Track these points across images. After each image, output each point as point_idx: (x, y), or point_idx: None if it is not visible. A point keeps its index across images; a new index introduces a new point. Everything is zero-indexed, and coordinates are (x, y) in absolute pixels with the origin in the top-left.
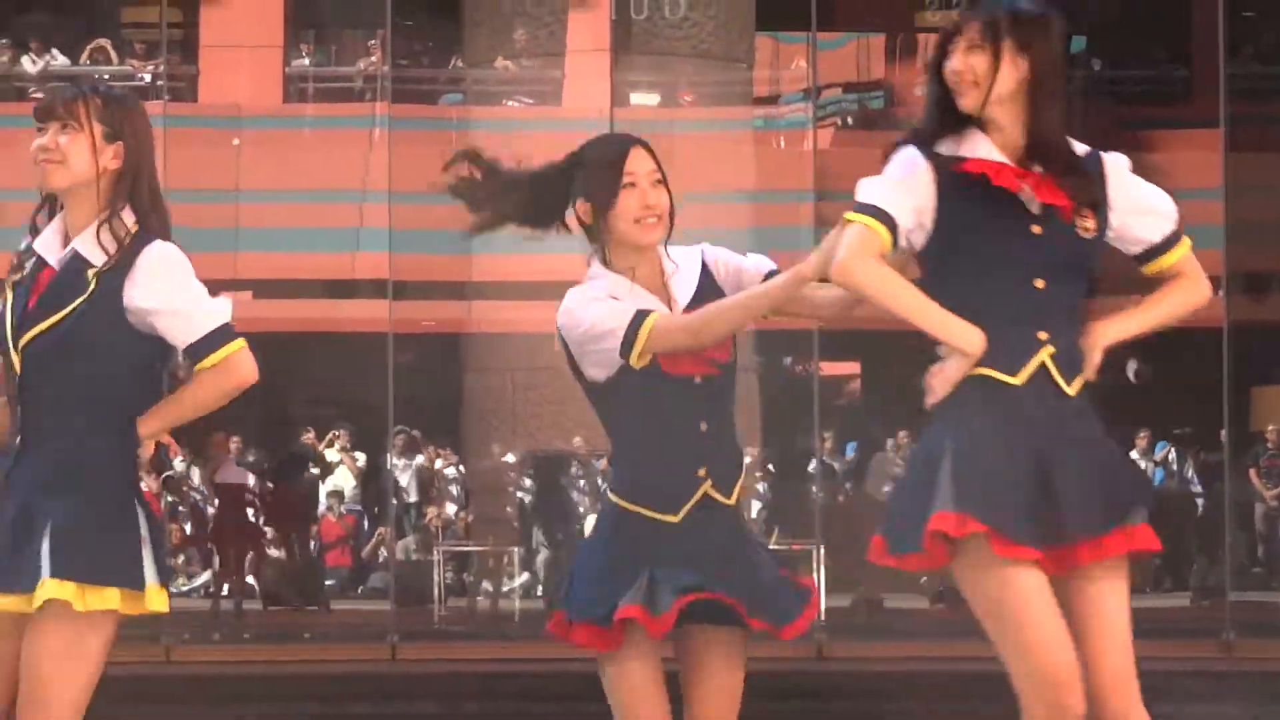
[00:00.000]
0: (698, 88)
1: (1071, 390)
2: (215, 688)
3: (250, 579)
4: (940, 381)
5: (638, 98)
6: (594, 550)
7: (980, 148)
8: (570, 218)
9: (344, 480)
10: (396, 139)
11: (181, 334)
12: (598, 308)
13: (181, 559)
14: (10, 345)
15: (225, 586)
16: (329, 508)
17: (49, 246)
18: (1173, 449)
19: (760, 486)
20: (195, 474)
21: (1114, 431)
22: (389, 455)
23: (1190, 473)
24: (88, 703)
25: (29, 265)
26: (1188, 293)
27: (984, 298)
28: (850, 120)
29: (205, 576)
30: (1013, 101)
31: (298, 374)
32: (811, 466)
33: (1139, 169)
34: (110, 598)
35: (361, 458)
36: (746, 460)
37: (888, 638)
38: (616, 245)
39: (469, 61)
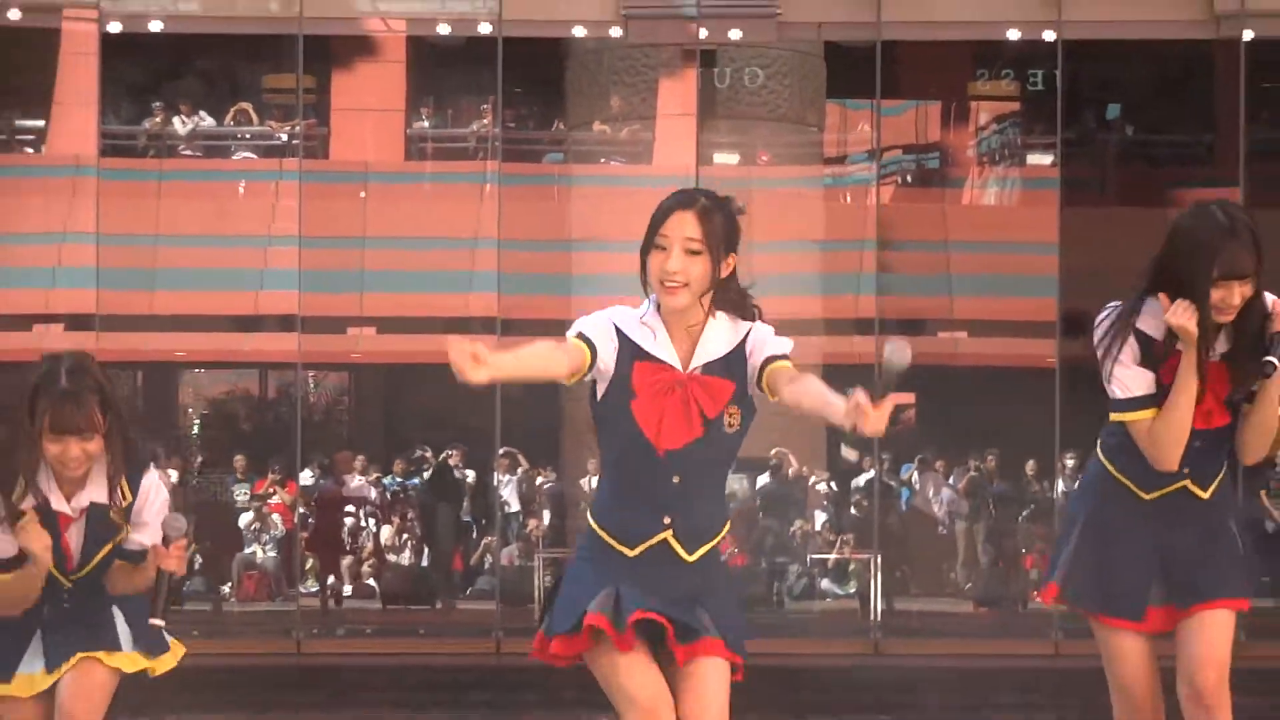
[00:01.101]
0: (773, 148)
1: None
2: (340, 677)
3: (371, 581)
4: None
5: (720, 157)
6: (571, 571)
7: None
8: None
9: (457, 495)
10: (505, 194)
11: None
12: (592, 316)
13: (310, 563)
14: (63, 578)
15: (349, 588)
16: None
17: (55, 501)
18: None
19: (824, 504)
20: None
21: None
22: (495, 473)
23: None
24: None
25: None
26: None
27: None
28: (909, 178)
29: (331, 579)
30: None
31: (416, 401)
32: (869, 483)
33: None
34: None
35: (471, 475)
36: (816, 483)
37: (935, 636)
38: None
39: (570, 124)
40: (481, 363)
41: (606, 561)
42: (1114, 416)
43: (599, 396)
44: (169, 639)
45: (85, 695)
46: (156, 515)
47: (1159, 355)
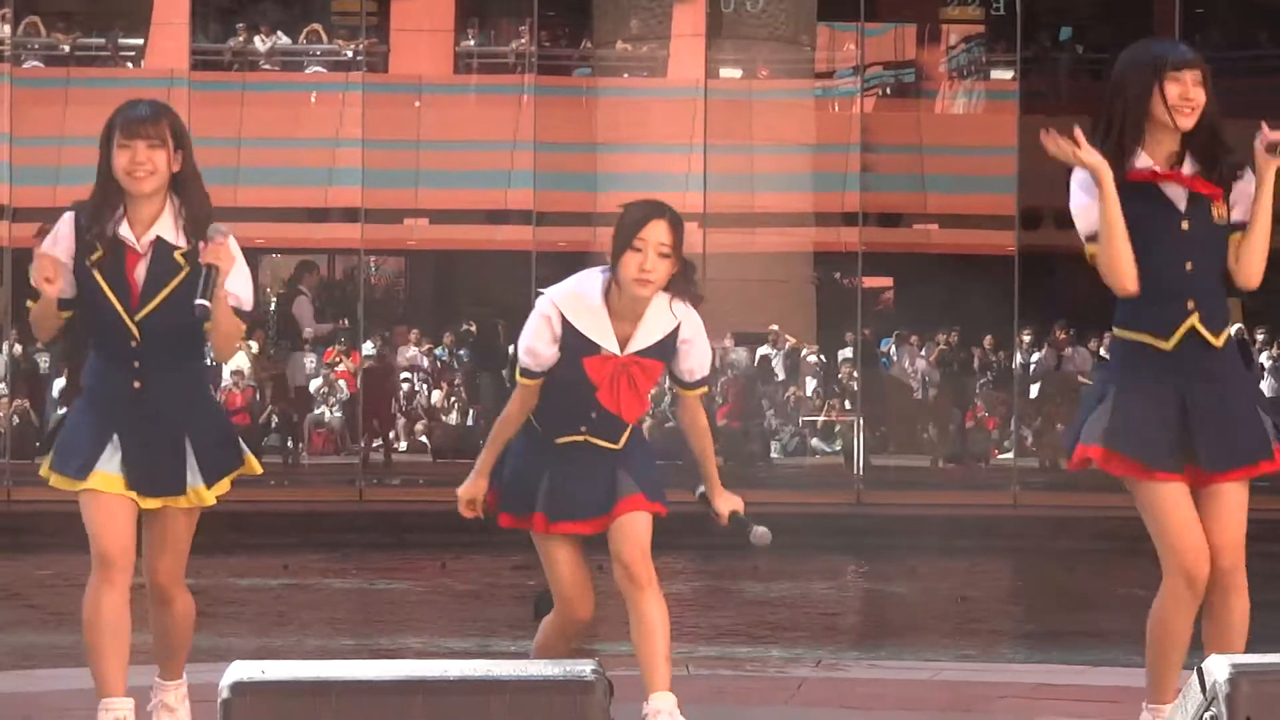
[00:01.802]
0: (771, 64)
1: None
2: (397, 521)
3: (423, 437)
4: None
5: (725, 72)
6: (517, 456)
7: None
8: None
9: (498, 362)
10: (540, 102)
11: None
12: (534, 327)
13: (371, 425)
14: (128, 318)
15: (404, 443)
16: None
17: (126, 233)
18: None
19: (814, 372)
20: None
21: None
22: None
23: None
24: None
25: (109, 249)
26: None
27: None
28: (888, 91)
29: (389, 436)
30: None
31: (463, 282)
32: (852, 355)
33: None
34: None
35: (511, 346)
36: (807, 355)
37: (910, 488)
38: (617, 284)
39: (596, 43)
40: (475, 510)
41: (537, 442)
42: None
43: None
44: (245, 452)
45: (171, 548)
46: (240, 265)
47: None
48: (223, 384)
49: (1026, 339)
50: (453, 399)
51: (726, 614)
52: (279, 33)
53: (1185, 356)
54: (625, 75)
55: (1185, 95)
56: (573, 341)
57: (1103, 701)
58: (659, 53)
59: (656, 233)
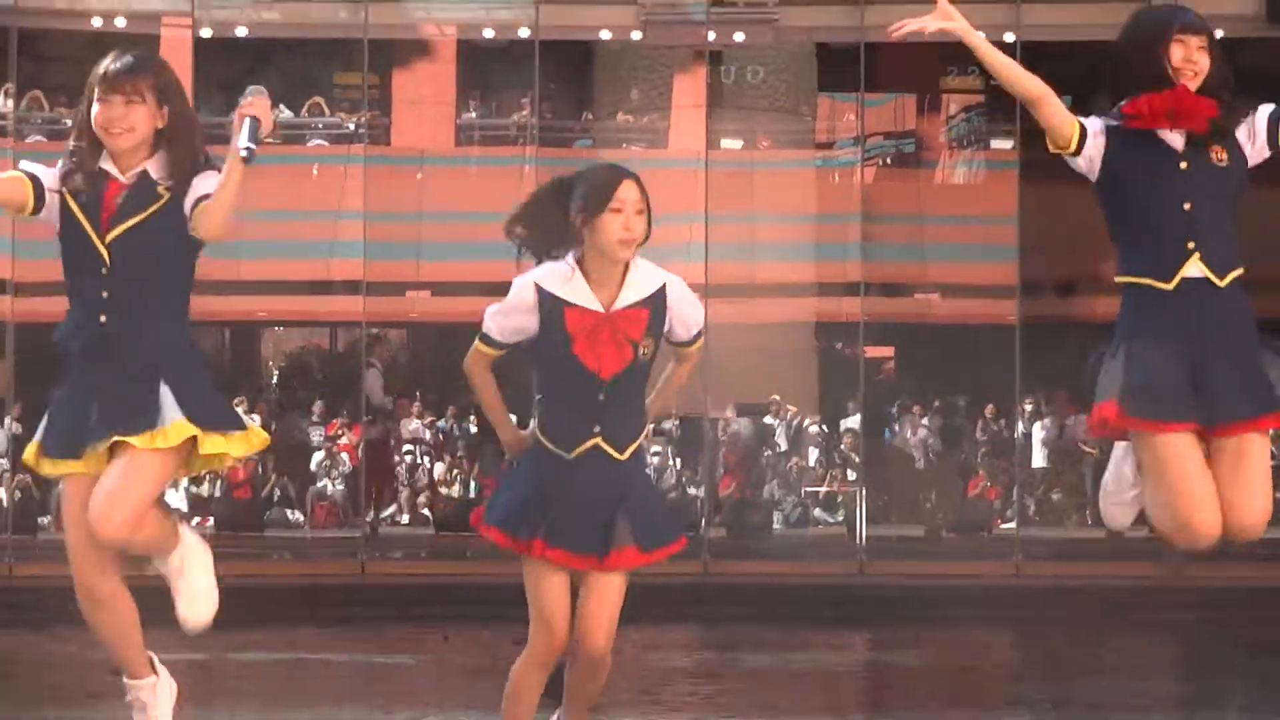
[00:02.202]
0: (772, 135)
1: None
2: (398, 595)
3: (425, 510)
4: None
5: (726, 143)
6: (526, 480)
7: None
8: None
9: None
10: (541, 174)
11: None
12: (509, 300)
13: (373, 498)
14: (98, 239)
15: (406, 516)
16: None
17: (109, 166)
18: None
19: (817, 442)
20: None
21: None
22: (534, 417)
23: None
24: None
25: (93, 183)
26: None
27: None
28: (889, 160)
29: (392, 509)
30: None
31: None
32: (855, 426)
33: None
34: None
35: (513, 418)
36: (809, 425)
37: (913, 558)
38: (592, 251)
39: (597, 115)
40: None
41: (546, 471)
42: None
43: (536, 346)
44: (246, 420)
45: (119, 488)
46: (205, 182)
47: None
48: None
49: (1028, 408)
50: (455, 471)
51: (728, 685)
52: (281, 105)
53: (1188, 297)
54: (626, 146)
55: (1189, 58)
56: (551, 307)
57: None
58: (659, 124)
59: (631, 192)
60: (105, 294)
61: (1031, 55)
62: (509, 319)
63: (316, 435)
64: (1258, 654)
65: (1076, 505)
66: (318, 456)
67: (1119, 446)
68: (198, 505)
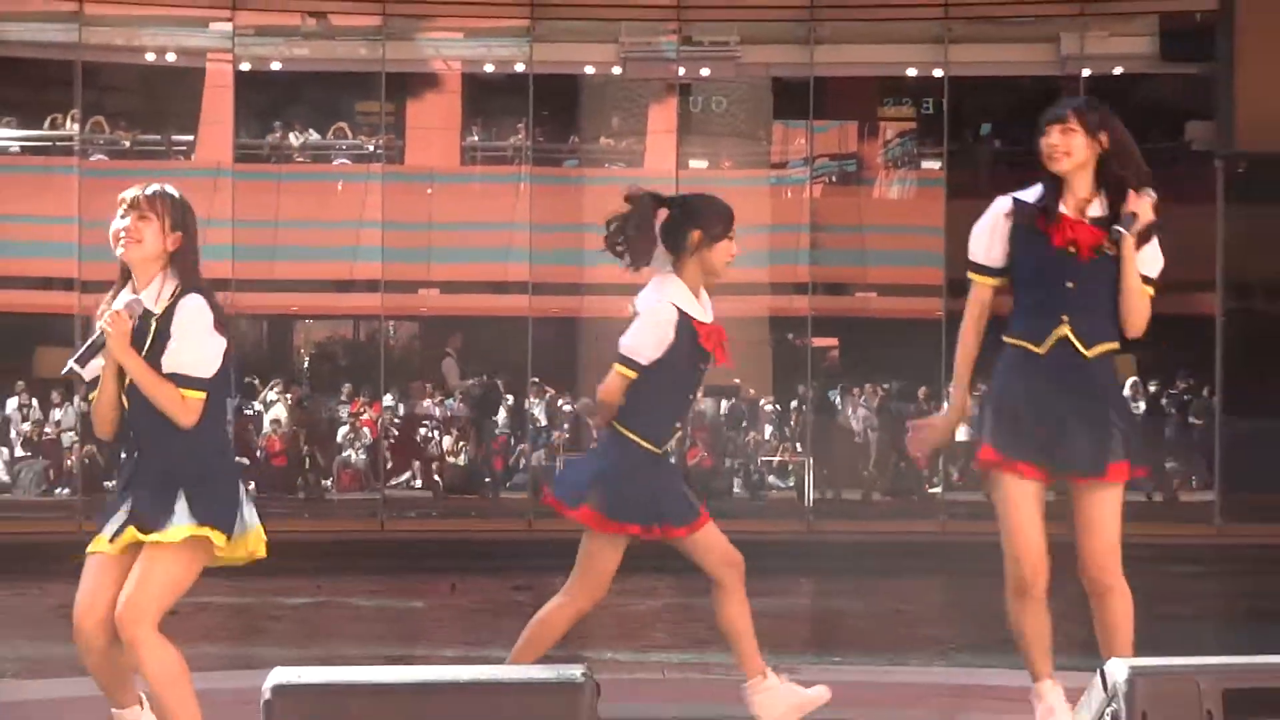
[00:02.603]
0: (733, 156)
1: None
2: (412, 548)
3: (436, 477)
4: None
5: (694, 163)
6: (627, 477)
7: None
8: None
9: (500, 413)
10: (535, 190)
11: (171, 362)
12: (654, 330)
13: (390, 466)
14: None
15: (419, 481)
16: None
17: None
18: None
19: (771, 419)
20: (400, 408)
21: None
22: (528, 396)
23: None
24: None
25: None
26: None
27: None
28: (834, 179)
29: (406, 475)
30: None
31: (469, 343)
32: (804, 404)
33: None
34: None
35: (510, 398)
36: (765, 404)
37: (853, 518)
38: (694, 267)
39: (582, 139)
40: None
41: (643, 457)
42: None
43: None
44: (250, 520)
45: (138, 581)
46: (186, 334)
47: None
48: (263, 431)
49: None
50: (461, 443)
51: (697, 626)
52: (310, 130)
53: (1056, 363)
54: (608, 166)
55: (1051, 143)
56: (683, 322)
57: (1017, 700)
58: (636, 146)
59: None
60: (132, 432)
61: (957, 87)
62: (651, 346)
63: (342, 412)
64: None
65: None
66: (343, 430)
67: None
68: (244, 471)
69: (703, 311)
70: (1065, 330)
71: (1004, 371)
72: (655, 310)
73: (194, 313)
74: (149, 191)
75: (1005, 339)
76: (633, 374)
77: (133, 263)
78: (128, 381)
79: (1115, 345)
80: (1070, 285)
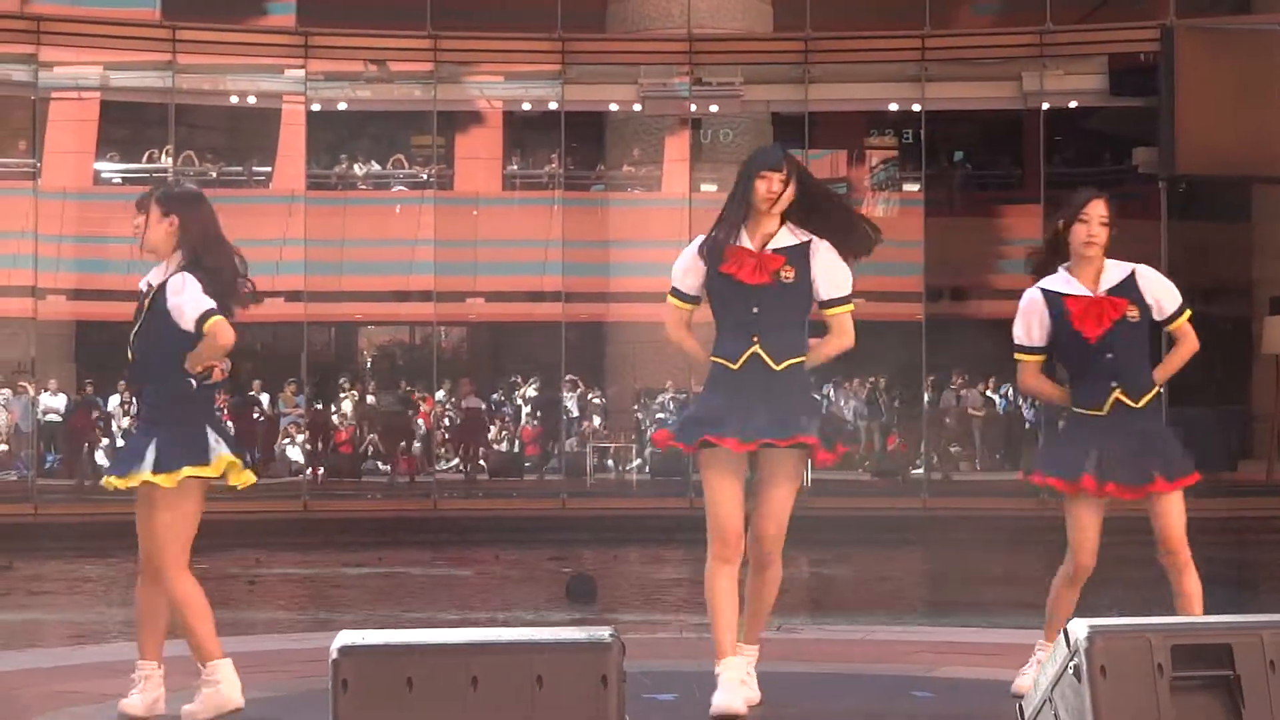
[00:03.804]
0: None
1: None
2: (460, 524)
3: (481, 462)
4: None
5: (705, 187)
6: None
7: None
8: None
9: (537, 405)
10: (567, 211)
11: (188, 319)
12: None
13: (442, 452)
14: (130, 341)
15: (467, 465)
16: (529, 419)
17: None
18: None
19: None
20: (450, 401)
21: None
22: (562, 391)
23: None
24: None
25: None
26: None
27: None
28: None
29: (455, 460)
30: None
31: (510, 345)
32: None
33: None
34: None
35: (544, 393)
36: None
37: (846, 495)
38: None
39: (607, 167)
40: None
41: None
42: None
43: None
44: (213, 454)
45: (141, 521)
46: (179, 300)
47: None
48: (335, 424)
49: (933, 383)
50: (503, 432)
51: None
52: (372, 161)
53: (747, 373)
54: (630, 190)
55: (770, 189)
56: (1053, 301)
57: (990, 655)
58: (654, 173)
59: (1097, 209)
60: (134, 379)
61: (933, 120)
62: (1030, 320)
63: (400, 405)
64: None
65: (967, 455)
66: (400, 421)
67: None
68: (310, 458)
69: (1079, 288)
70: (757, 348)
71: (708, 383)
72: (1026, 298)
73: (178, 282)
74: (155, 196)
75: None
76: (1031, 359)
77: (147, 252)
78: (133, 334)
79: (802, 358)
80: (756, 311)
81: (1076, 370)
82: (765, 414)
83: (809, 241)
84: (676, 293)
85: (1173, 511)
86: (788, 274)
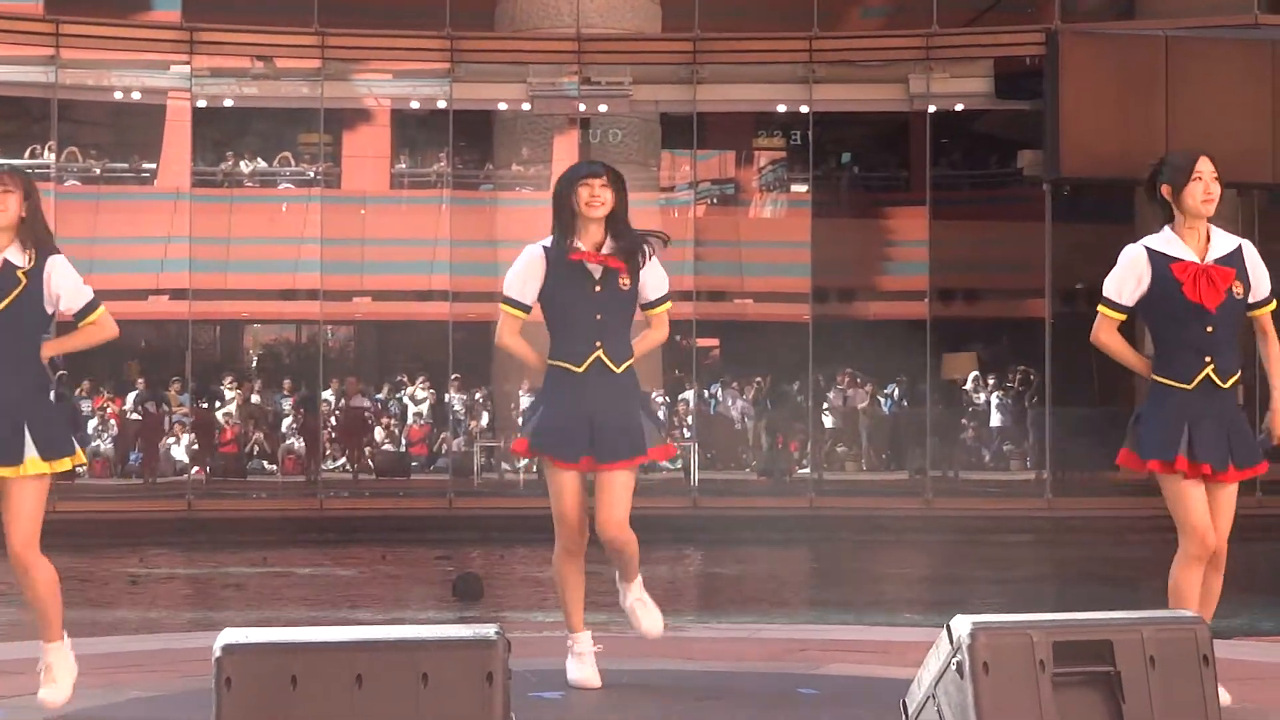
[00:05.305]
0: (628, 181)
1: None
2: (348, 523)
3: (369, 460)
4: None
5: None
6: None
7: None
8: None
9: (424, 405)
10: (455, 210)
11: (74, 304)
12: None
13: (329, 452)
14: None
15: (353, 465)
16: (416, 418)
17: None
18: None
19: (660, 409)
20: (339, 401)
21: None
22: (449, 390)
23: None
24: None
25: None
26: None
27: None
28: (715, 200)
29: (342, 460)
30: None
31: (397, 345)
32: (690, 397)
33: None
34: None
35: (432, 392)
36: (656, 395)
37: (733, 495)
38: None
39: (496, 166)
40: None
41: (560, 387)
42: None
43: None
44: (77, 446)
45: (18, 514)
46: (66, 286)
47: None
48: (221, 422)
49: (820, 383)
50: (390, 431)
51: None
52: (258, 158)
53: (591, 375)
54: (518, 189)
55: (593, 194)
56: (1159, 261)
57: (875, 652)
58: (544, 173)
59: (1206, 166)
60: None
61: (821, 121)
62: (1126, 277)
63: (285, 404)
64: (986, 564)
65: (854, 455)
66: (286, 421)
67: None
68: (194, 457)
69: (1189, 252)
70: (600, 353)
71: (547, 388)
72: (1125, 255)
73: (64, 266)
74: (8, 173)
75: (550, 361)
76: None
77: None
78: None
79: (632, 359)
80: (599, 318)
81: (1171, 339)
82: (612, 431)
83: (639, 247)
84: (512, 302)
85: (1229, 506)
86: (625, 281)
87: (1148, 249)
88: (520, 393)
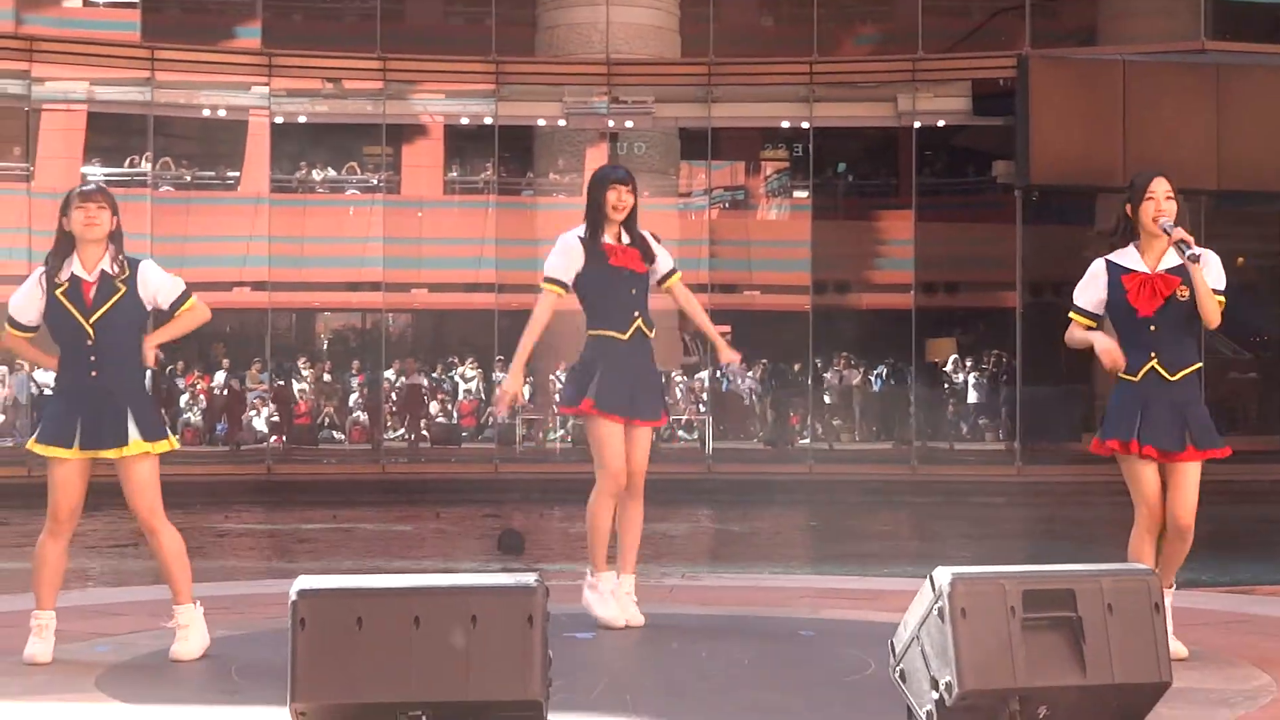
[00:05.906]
0: (650, 188)
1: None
2: (407, 486)
3: (425, 430)
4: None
5: None
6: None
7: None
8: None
9: (473, 383)
10: (500, 213)
11: (171, 297)
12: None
13: (389, 423)
14: (84, 321)
15: (411, 435)
16: (466, 394)
17: (78, 272)
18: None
19: (679, 387)
20: (400, 380)
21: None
22: (495, 370)
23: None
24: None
25: (68, 282)
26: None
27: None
28: (727, 205)
29: (402, 430)
30: None
31: (450, 330)
32: (705, 377)
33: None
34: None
35: (480, 371)
36: (676, 376)
37: (743, 462)
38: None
39: (536, 173)
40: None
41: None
42: None
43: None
44: (167, 431)
45: (138, 488)
46: (161, 283)
47: None
48: (296, 397)
49: (818, 364)
50: (445, 405)
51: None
52: (329, 168)
53: (634, 342)
54: (555, 195)
55: (620, 198)
56: (1113, 276)
57: (866, 599)
58: (577, 180)
59: (1160, 186)
60: (93, 357)
61: (819, 135)
62: (1089, 286)
63: (352, 382)
64: (963, 523)
65: (848, 428)
66: (353, 396)
67: None
68: (273, 428)
69: (1140, 263)
70: (640, 323)
71: (592, 350)
72: (1092, 268)
73: (154, 269)
74: (101, 191)
75: (592, 331)
76: (1082, 320)
77: (89, 243)
78: (97, 316)
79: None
80: (634, 292)
81: (1124, 338)
82: (645, 396)
83: (645, 239)
84: (555, 281)
85: (1189, 484)
86: (644, 266)
87: (1107, 261)
88: (555, 374)
